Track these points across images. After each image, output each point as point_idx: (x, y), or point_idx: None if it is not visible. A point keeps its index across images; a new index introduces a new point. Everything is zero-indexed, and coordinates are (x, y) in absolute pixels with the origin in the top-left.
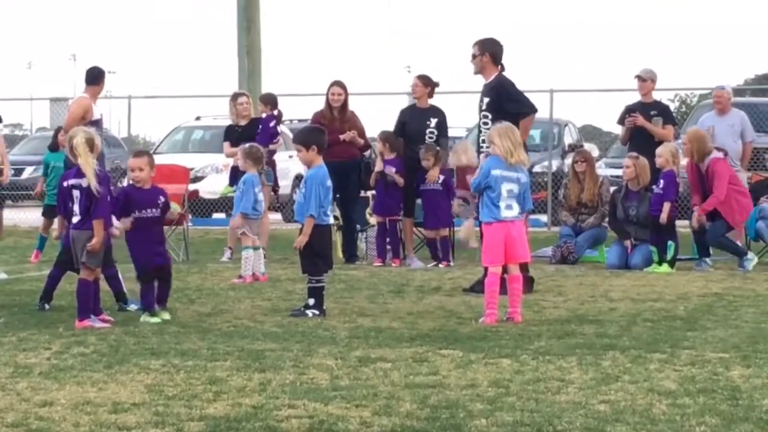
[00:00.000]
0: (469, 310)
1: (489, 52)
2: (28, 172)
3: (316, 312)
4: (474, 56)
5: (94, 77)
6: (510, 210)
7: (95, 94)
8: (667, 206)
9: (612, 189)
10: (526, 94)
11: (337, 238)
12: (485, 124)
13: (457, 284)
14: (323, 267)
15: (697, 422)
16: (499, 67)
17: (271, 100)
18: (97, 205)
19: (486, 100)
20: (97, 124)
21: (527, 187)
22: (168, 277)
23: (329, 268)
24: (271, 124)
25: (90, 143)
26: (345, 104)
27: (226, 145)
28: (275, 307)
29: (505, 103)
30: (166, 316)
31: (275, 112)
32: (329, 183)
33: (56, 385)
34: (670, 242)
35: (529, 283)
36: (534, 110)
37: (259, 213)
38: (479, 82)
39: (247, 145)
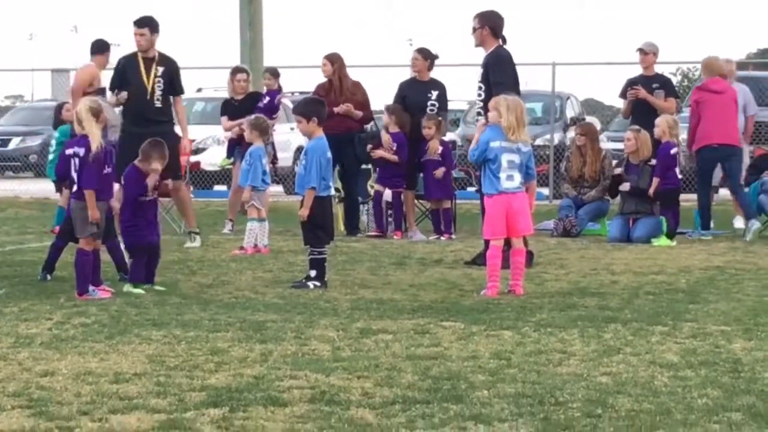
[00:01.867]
0: (470, 283)
1: (488, 25)
2: (14, 143)
3: (318, 283)
4: (474, 29)
5: (100, 47)
6: (511, 181)
7: (101, 64)
8: (655, 181)
9: (614, 162)
10: (529, 67)
11: (339, 210)
12: (479, 95)
13: (459, 257)
14: (325, 238)
15: (698, 394)
16: (500, 40)
17: (277, 74)
18: (85, 175)
19: (481, 71)
20: (102, 92)
21: (530, 157)
22: (157, 254)
23: (331, 239)
24: (278, 96)
25: (94, 111)
26: (341, 76)
27: (224, 119)
28: (277, 278)
29: (490, 74)
30: (160, 288)
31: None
32: (330, 154)
33: (58, 356)
34: (661, 216)
35: (529, 257)
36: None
37: (267, 185)
38: (482, 54)
39: (253, 116)
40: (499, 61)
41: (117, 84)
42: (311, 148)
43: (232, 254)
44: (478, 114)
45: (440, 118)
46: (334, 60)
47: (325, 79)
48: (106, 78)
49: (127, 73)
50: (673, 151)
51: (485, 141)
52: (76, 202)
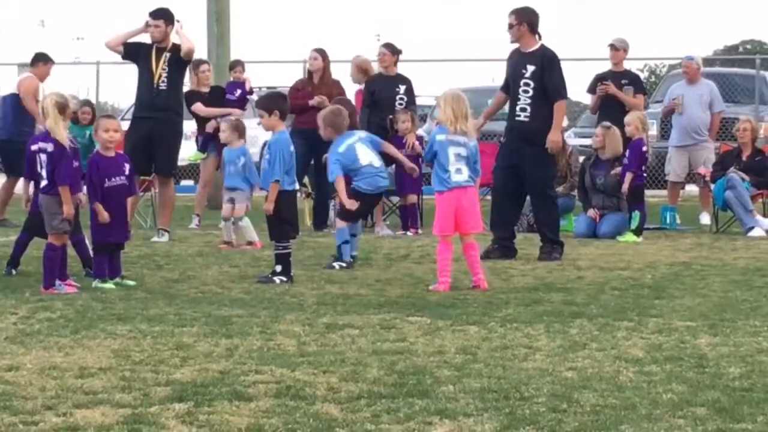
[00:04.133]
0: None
1: (526, 21)
2: None
3: (284, 278)
4: (511, 26)
5: (40, 58)
6: (460, 174)
7: (42, 75)
8: (628, 177)
9: (581, 159)
10: (495, 63)
11: (306, 205)
12: (525, 92)
13: (426, 252)
14: (290, 233)
15: (663, 389)
16: (537, 36)
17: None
18: (59, 171)
19: (531, 68)
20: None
21: (475, 152)
22: (120, 251)
23: (296, 234)
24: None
25: (60, 107)
26: (323, 71)
27: (198, 104)
28: (243, 273)
29: (546, 77)
30: (131, 282)
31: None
32: (292, 148)
33: (22, 350)
34: (635, 212)
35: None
36: (566, 96)
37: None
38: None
39: (233, 118)
40: (553, 62)
41: (128, 52)
42: (274, 143)
43: (242, 248)
44: (521, 110)
45: (413, 113)
46: (325, 56)
47: (302, 75)
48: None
49: (139, 57)
50: (644, 147)
51: (432, 136)
52: (45, 198)
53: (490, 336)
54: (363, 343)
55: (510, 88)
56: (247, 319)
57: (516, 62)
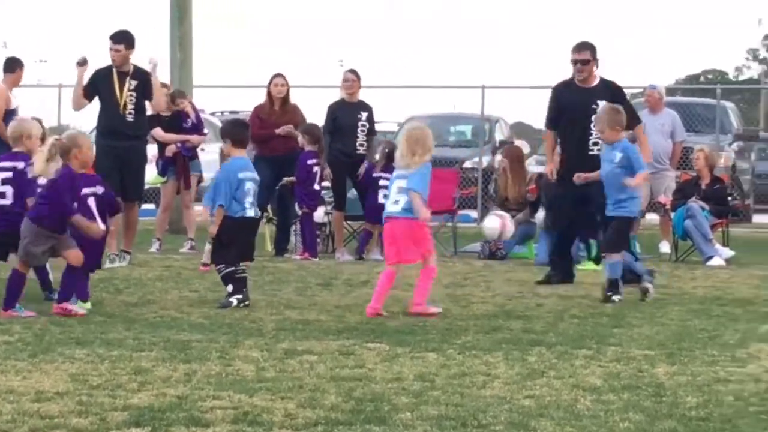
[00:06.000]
0: (396, 304)
1: (595, 57)
2: None
3: (239, 296)
4: (586, 62)
5: (11, 65)
6: (396, 204)
7: (13, 82)
8: None
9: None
10: (458, 90)
11: (266, 230)
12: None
13: None
14: (229, 258)
15: (620, 418)
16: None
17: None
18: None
19: (602, 103)
20: (14, 113)
21: (414, 176)
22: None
23: (247, 260)
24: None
25: (62, 148)
26: (286, 96)
27: (158, 129)
28: (202, 298)
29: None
30: (87, 305)
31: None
32: (243, 175)
33: None
34: (592, 240)
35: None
36: (640, 120)
37: None
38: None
39: (190, 144)
40: (620, 92)
41: (90, 94)
42: (222, 167)
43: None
44: (594, 144)
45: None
46: (287, 80)
47: (263, 100)
48: (18, 96)
49: (99, 86)
50: None
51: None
52: (30, 225)
53: (449, 363)
54: (321, 369)
55: (573, 123)
56: (206, 344)
57: (582, 98)
